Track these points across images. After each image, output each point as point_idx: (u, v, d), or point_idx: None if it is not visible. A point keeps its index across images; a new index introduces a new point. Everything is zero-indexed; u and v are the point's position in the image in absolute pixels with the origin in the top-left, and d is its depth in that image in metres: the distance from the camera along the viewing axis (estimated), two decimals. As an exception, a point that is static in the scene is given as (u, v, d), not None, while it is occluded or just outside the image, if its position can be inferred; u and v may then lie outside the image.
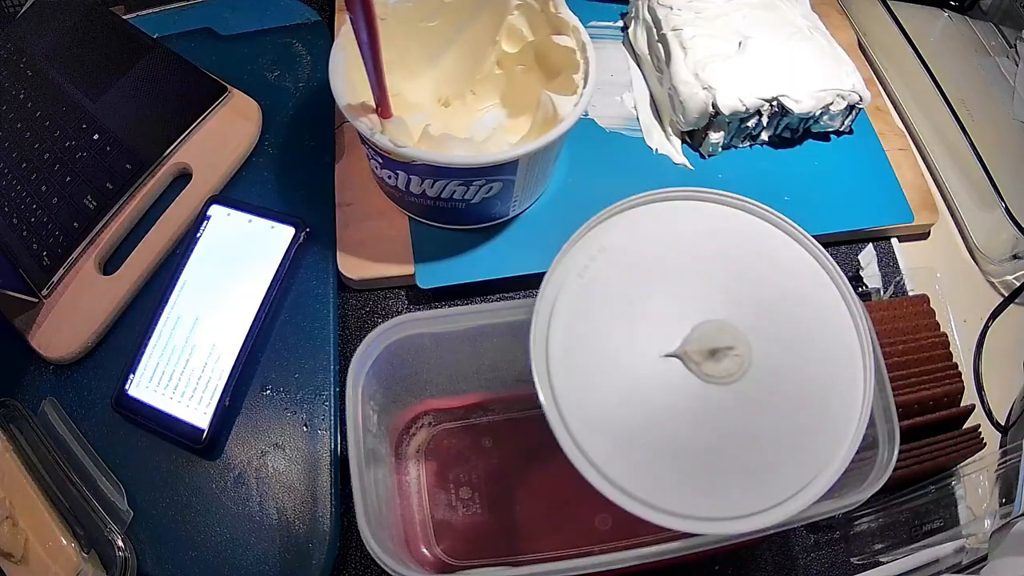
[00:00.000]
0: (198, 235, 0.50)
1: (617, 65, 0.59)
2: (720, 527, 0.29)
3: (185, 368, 0.46)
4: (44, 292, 0.49)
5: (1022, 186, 0.51)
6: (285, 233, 0.50)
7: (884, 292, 0.51)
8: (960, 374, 0.46)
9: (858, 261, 0.52)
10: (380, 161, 0.45)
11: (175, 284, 0.49)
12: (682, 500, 0.29)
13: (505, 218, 0.51)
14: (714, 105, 0.50)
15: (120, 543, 0.42)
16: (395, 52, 0.47)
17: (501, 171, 0.44)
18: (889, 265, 0.53)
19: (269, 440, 0.46)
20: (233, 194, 0.53)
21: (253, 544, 0.43)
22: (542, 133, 0.43)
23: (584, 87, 0.45)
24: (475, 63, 0.51)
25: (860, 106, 0.52)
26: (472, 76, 0.52)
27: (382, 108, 0.42)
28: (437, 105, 0.52)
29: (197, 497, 0.45)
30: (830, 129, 0.54)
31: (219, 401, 0.45)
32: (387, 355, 0.36)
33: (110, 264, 0.51)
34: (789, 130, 0.54)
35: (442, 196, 0.45)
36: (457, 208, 0.47)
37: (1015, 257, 0.52)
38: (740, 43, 0.52)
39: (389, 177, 0.46)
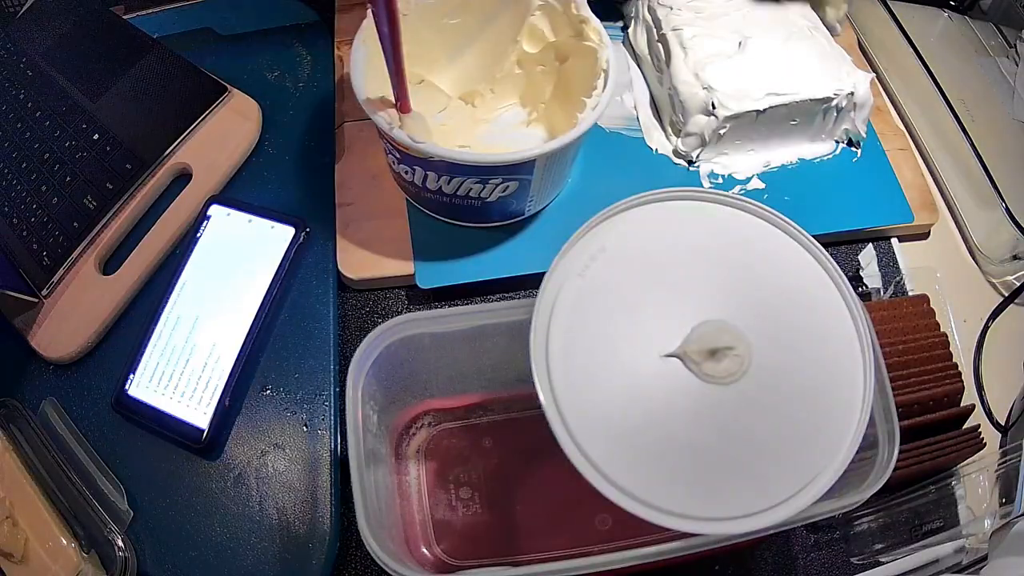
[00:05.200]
0: (198, 235, 0.50)
1: (617, 65, 0.58)
2: (720, 527, 0.29)
3: (185, 368, 0.46)
4: (44, 292, 0.49)
5: (1022, 186, 0.51)
6: (285, 233, 0.50)
7: (884, 292, 0.51)
8: (960, 374, 0.46)
9: (858, 261, 0.52)
10: (397, 156, 0.45)
11: (175, 284, 0.49)
12: (682, 500, 0.29)
13: (521, 217, 0.51)
14: (714, 105, 0.50)
15: (120, 543, 0.42)
16: (416, 49, 0.47)
17: (518, 170, 0.44)
18: (889, 265, 0.53)
19: (269, 440, 0.46)
20: (233, 194, 0.53)
21: (253, 544, 0.43)
22: (559, 133, 0.43)
23: (604, 88, 0.45)
24: (496, 62, 0.51)
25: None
26: (492, 74, 0.52)
27: (401, 103, 0.42)
28: (457, 102, 0.52)
29: (197, 497, 0.45)
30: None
31: (219, 401, 0.45)
32: (387, 355, 0.36)
33: (110, 264, 0.51)
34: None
35: (458, 193, 0.45)
36: (473, 206, 0.47)
37: (1015, 257, 0.52)
38: (740, 43, 0.52)
39: (406, 173, 0.46)
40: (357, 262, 0.50)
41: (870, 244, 0.53)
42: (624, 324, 0.32)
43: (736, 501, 0.29)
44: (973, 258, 0.55)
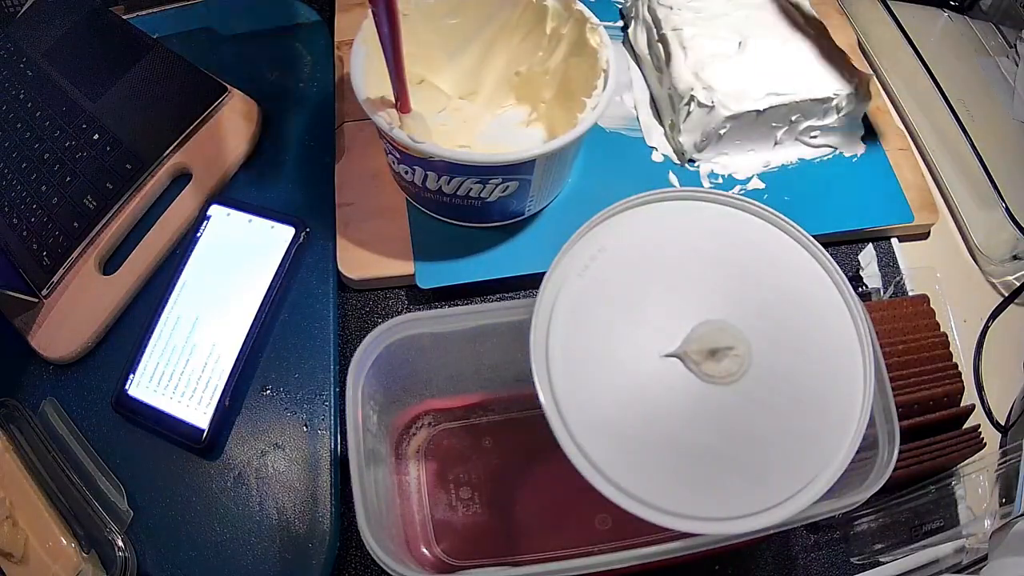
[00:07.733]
0: (198, 235, 0.50)
1: (617, 65, 0.58)
2: (720, 527, 0.29)
3: (185, 368, 0.46)
4: (44, 292, 0.49)
5: (1022, 186, 0.51)
6: (285, 233, 0.50)
7: (884, 292, 0.51)
8: (960, 374, 0.46)
9: (858, 261, 0.52)
10: (397, 156, 0.45)
11: (175, 284, 0.49)
12: (682, 500, 0.29)
13: (521, 217, 0.51)
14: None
15: (120, 543, 0.42)
16: (416, 49, 0.47)
17: (518, 170, 0.44)
18: (889, 265, 0.53)
19: (269, 440, 0.46)
20: (233, 194, 0.53)
21: (253, 544, 0.43)
22: (559, 133, 0.43)
23: (604, 88, 0.45)
24: (496, 61, 0.51)
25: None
26: (492, 74, 0.52)
27: (401, 103, 0.42)
28: (457, 102, 0.52)
29: (197, 497, 0.45)
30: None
31: (219, 401, 0.45)
32: (387, 355, 0.36)
33: (110, 264, 0.51)
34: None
35: (458, 193, 0.45)
36: (473, 206, 0.47)
37: (1015, 257, 0.52)
38: (740, 43, 0.52)
39: (406, 172, 0.46)
40: (357, 262, 0.50)
41: (870, 244, 0.53)
42: (624, 324, 0.32)
43: (736, 501, 0.29)
44: (973, 258, 0.55)
